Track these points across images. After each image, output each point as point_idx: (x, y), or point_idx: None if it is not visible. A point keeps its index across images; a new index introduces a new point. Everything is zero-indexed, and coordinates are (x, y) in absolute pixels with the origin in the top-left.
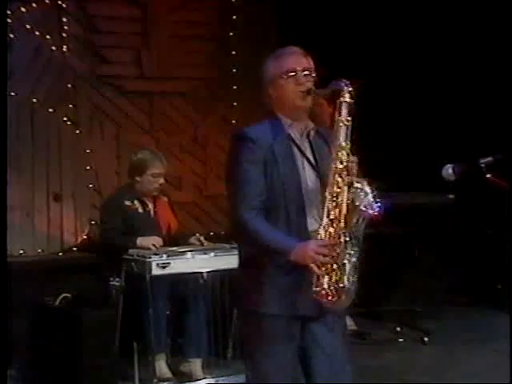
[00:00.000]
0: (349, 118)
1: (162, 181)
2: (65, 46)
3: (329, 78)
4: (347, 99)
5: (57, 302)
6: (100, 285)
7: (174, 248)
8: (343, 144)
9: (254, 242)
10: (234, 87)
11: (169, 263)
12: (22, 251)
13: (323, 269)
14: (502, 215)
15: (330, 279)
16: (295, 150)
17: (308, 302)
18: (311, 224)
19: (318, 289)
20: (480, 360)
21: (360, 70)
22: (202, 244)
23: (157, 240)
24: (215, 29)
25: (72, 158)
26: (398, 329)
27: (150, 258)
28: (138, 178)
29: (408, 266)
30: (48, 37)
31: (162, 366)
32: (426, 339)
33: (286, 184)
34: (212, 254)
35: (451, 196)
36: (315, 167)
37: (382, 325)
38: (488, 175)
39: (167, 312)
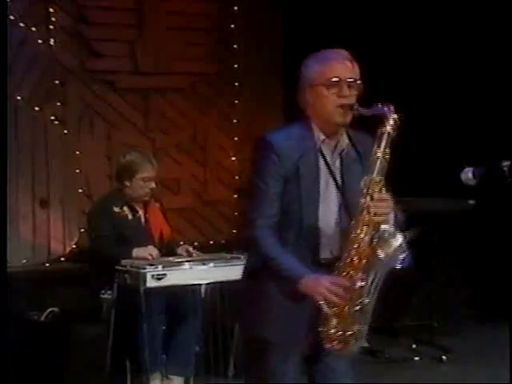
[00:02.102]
0: (387, 151)
1: (152, 185)
2: (52, 39)
3: None
4: (389, 131)
5: (43, 317)
6: (90, 298)
7: (170, 258)
8: (377, 179)
9: (264, 262)
10: (236, 83)
11: (164, 274)
12: None
13: (333, 309)
14: None
15: (338, 324)
16: (323, 168)
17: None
18: (324, 251)
19: (324, 329)
20: (502, 380)
21: (370, 65)
22: (190, 255)
23: (154, 251)
24: (215, 20)
25: (60, 160)
26: (414, 346)
27: (144, 268)
28: (127, 183)
29: (424, 278)
30: (34, 29)
31: None
32: (444, 357)
33: (304, 204)
34: (211, 264)
35: (471, 202)
36: (341, 190)
37: (397, 341)
38: (510, 179)
39: (163, 327)
